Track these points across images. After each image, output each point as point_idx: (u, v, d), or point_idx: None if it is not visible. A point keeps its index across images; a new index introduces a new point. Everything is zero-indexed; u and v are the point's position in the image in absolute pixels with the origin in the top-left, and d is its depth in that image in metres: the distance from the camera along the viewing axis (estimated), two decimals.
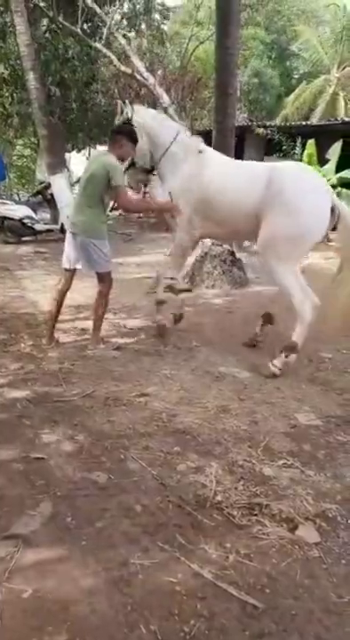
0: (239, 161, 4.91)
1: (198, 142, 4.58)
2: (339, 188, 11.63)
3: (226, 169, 4.42)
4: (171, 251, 4.78)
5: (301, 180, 4.09)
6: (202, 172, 4.35)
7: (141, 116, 4.58)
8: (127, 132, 4.29)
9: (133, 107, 4.66)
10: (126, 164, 4.47)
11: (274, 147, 12.66)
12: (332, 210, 3.96)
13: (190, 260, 6.71)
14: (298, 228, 3.91)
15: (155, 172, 4.73)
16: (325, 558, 2.07)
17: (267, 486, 2.51)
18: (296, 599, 1.87)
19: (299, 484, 2.55)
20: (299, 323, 3.98)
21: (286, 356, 3.97)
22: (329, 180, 11.65)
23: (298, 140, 12.13)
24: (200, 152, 4.47)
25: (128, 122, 4.49)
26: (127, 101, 4.67)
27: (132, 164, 4.61)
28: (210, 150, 4.64)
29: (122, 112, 4.62)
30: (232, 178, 4.32)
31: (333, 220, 4.00)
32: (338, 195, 11.59)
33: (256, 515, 2.29)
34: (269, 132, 12.23)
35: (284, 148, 12.34)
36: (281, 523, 2.26)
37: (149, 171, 4.75)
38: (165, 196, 4.52)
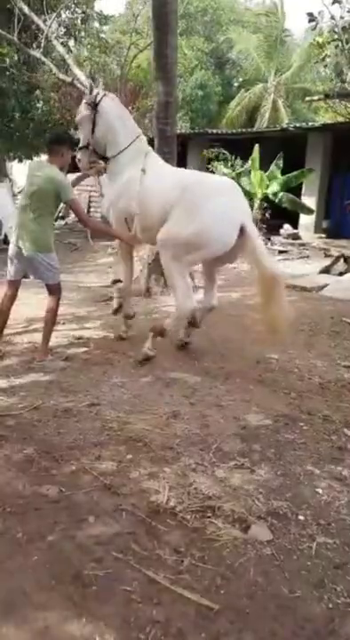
0: (173, 170, 4.81)
1: (147, 149, 4.56)
2: (281, 193, 11.96)
3: (157, 178, 4.31)
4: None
5: (214, 194, 4.06)
6: (141, 180, 4.29)
7: (109, 107, 4.47)
8: (66, 141, 4.27)
9: (105, 93, 4.57)
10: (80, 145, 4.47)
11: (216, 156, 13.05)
12: (242, 231, 3.95)
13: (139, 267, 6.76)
14: (194, 235, 3.93)
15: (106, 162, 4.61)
16: (277, 555, 2.11)
17: (220, 488, 2.53)
18: (250, 598, 1.90)
19: (251, 483, 2.59)
20: (176, 314, 4.24)
21: (153, 336, 4.27)
22: (268, 187, 11.99)
23: (232, 154, 12.68)
24: (145, 159, 4.41)
25: (93, 105, 4.40)
26: (100, 80, 4.53)
27: (86, 147, 4.53)
28: (152, 159, 4.53)
29: (91, 91, 4.52)
30: (157, 187, 4.24)
31: (241, 243, 3.99)
32: (280, 200, 11.93)
33: (209, 517, 2.32)
34: (213, 150, 12.73)
35: (223, 156, 12.81)
36: (233, 523, 2.29)
37: (102, 157, 4.63)
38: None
